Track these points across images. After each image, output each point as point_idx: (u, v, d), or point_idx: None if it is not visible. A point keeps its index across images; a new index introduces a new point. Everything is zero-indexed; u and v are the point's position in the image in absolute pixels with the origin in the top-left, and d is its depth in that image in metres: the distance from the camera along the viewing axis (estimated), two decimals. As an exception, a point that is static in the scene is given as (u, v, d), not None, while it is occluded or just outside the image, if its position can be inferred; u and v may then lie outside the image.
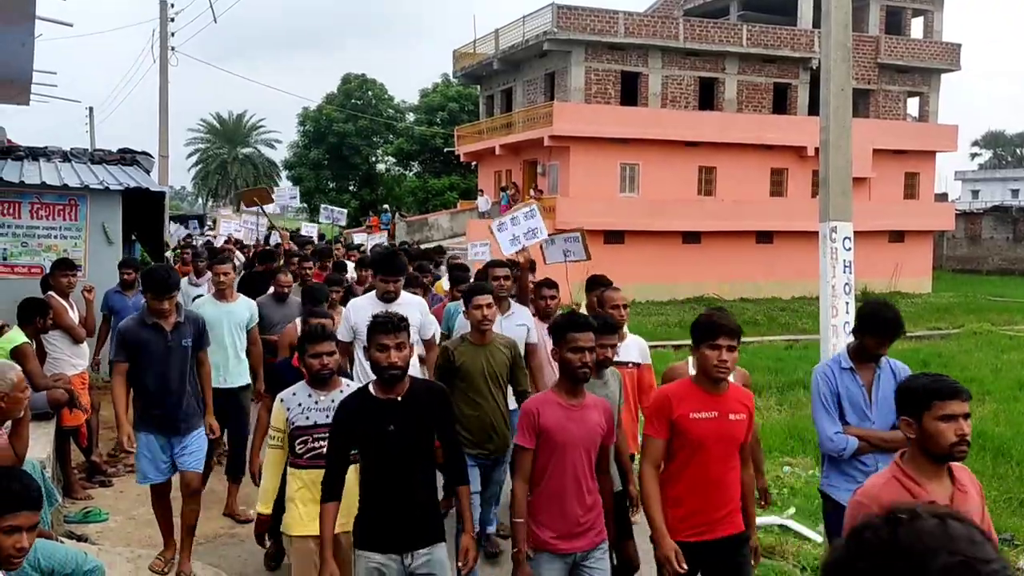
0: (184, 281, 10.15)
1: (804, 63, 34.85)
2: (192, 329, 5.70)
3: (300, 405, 4.70)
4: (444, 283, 10.55)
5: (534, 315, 7.03)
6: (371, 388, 4.05)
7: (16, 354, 6.53)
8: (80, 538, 6.07)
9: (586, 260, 10.04)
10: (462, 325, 6.52)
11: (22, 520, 3.23)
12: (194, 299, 8.57)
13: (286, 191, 19.90)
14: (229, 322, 7.26)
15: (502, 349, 5.62)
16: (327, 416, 4.52)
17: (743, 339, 5.50)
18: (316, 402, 4.67)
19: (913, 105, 38.55)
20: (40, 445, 6.21)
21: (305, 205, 47.94)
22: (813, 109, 33.01)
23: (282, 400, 4.72)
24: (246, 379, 7.38)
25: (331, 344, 4.76)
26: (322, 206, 20.64)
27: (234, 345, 7.28)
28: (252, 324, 7.47)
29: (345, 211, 20.83)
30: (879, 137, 33.90)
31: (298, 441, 4.65)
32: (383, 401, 3.98)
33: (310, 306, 6.75)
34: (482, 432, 5.56)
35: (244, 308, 7.45)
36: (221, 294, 7.35)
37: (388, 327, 3.95)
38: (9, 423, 4.61)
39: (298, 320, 6.86)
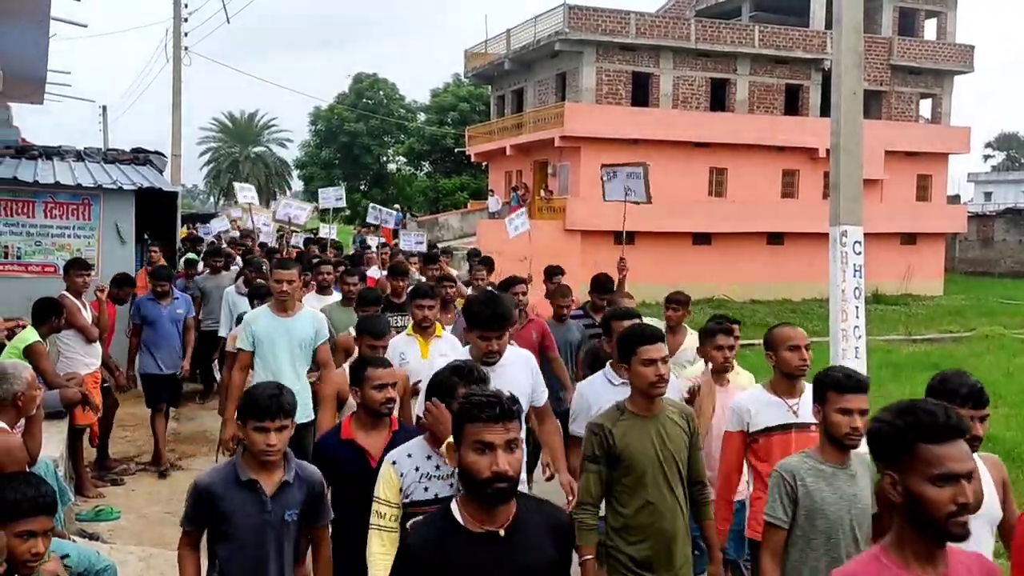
0: (231, 290, 9.82)
1: (816, 64, 34.75)
2: (304, 494, 3.54)
3: (418, 471, 3.47)
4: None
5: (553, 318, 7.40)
6: (456, 511, 2.66)
7: (29, 353, 6.59)
8: (92, 536, 6.12)
9: (646, 203, 9.60)
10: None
11: (37, 525, 3.22)
12: (239, 317, 7.94)
13: (331, 192, 17.97)
14: (289, 341, 6.07)
15: (676, 421, 3.88)
16: (450, 487, 3.36)
17: (752, 340, 5.49)
18: (437, 467, 3.46)
19: (926, 107, 38.39)
20: (53, 444, 6.26)
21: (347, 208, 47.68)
22: (825, 110, 32.88)
23: (394, 463, 3.50)
24: (309, 413, 5.90)
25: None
26: (370, 206, 18.96)
27: (294, 369, 6.06)
28: (320, 342, 6.17)
29: (395, 213, 19.08)
30: (891, 139, 33.77)
31: (411, 523, 3.17)
32: (478, 537, 2.61)
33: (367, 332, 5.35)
34: (662, 549, 3.74)
35: (308, 323, 6.17)
36: (281, 306, 6.10)
37: (497, 414, 2.59)
38: (23, 421, 4.66)
39: (352, 330, 5.81)
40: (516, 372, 4.36)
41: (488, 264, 10.48)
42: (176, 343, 8.58)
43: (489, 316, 4.25)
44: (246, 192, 16.53)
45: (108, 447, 8.28)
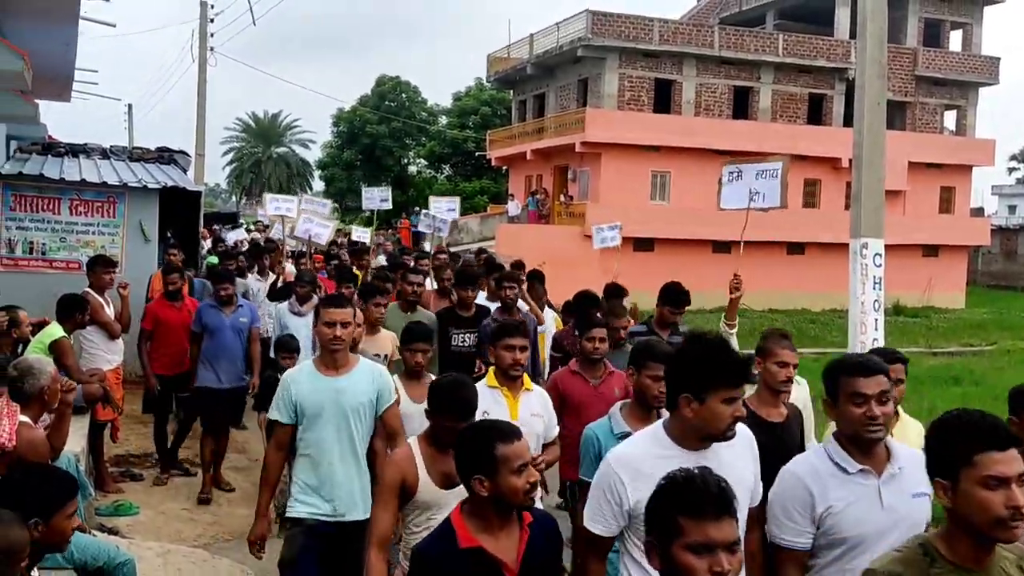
0: (283, 308, 8.17)
1: (840, 73, 34.58)
2: None
3: None
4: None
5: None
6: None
7: (54, 348, 6.68)
8: (111, 531, 6.19)
9: (778, 207, 6.79)
10: None
11: (75, 506, 3.50)
12: (279, 373, 5.74)
13: (376, 193, 15.73)
14: (338, 410, 4.31)
15: None
16: None
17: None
18: None
19: (950, 118, 38.12)
20: (74, 439, 6.33)
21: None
22: (848, 120, 32.74)
23: None
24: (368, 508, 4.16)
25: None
26: (423, 212, 15.31)
27: (350, 448, 4.33)
28: (385, 406, 4.43)
29: (452, 213, 15.09)
30: (915, 150, 33.54)
31: None
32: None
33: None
34: None
35: (366, 381, 4.37)
36: (331, 360, 4.36)
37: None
38: (46, 417, 4.73)
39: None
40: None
41: (539, 279, 9.07)
42: (239, 356, 7.80)
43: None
44: (279, 203, 13.07)
45: (179, 449, 8.31)
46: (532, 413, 4.45)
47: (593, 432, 3.88)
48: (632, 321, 6.77)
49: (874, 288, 6.05)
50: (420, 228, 15.52)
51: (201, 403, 7.73)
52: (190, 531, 6.78)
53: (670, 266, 30.69)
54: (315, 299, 7.69)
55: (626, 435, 3.43)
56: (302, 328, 7.63)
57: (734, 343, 5.16)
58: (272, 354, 7.44)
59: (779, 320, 27.58)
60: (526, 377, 4.59)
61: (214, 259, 13.36)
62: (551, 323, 8.56)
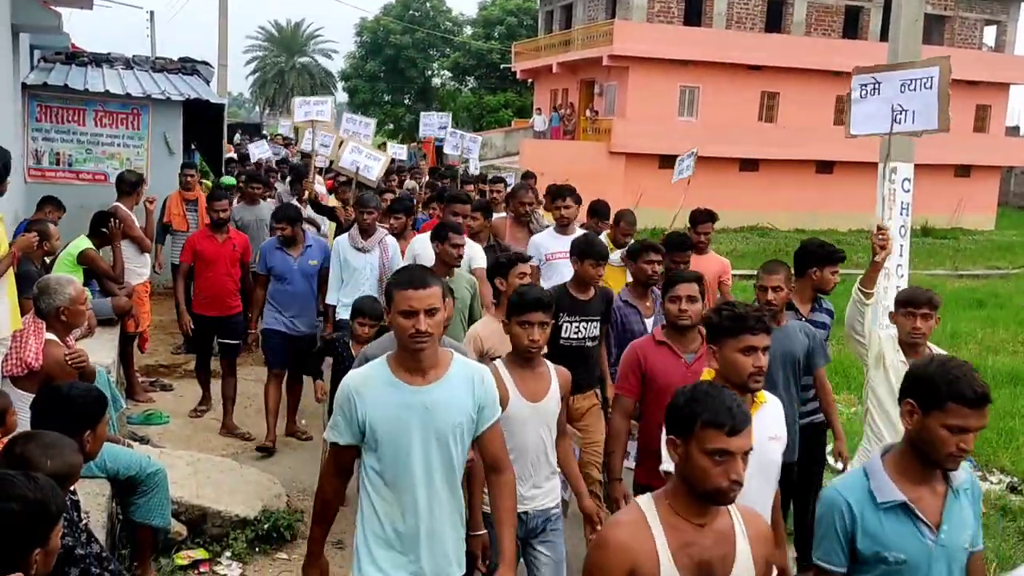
0: (342, 241, 6.90)
1: (878, -14, 33.48)
2: None
3: None
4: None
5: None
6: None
7: (84, 258, 6.80)
8: (142, 439, 6.38)
9: (938, 130, 5.56)
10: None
11: (106, 419, 3.69)
12: (349, 338, 5.61)
13: (435, 119, 14.43)
14: (425, 431, 3.05)
15: None
16: None
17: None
18: None
19: (990, 34, 36.91)
20: (105, 351, 6.50)
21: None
22: (885, 34, 31.79)
23: None
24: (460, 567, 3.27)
25: None
26: (448, 132, 13.71)
27: (444, 485, 3.08)
28: (486, 425, 3.16)
29: (478, 139, 13.82)
30: (952, 67, 32.56)
31: None
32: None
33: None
34: None
35: (463, 392, 3.10)
36: (415, 362, 3.03)
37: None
38: (76, 332, 4.83)
39: None
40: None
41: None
42: (312, 302, 6.94)
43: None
44: (310, 107, 10.77)
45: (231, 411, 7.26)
46: (769, 436, 3.26)
47: (842, 498, 2.73)
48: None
49: (901, 214, 5.98)
50: (446, 150, 14.06)
51: (268, 346, 6.92)
52: (219, 440, 6.98)
53: (695, 184, 30.37)
54: (382, 232, 6.93)
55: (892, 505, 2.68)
56: (366, 269, 6.69)
57: (868, 316, 4.62)
58: (334, 307, 6.68)
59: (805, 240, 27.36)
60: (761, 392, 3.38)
61: (230, 179, 11.91)
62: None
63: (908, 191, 5.99)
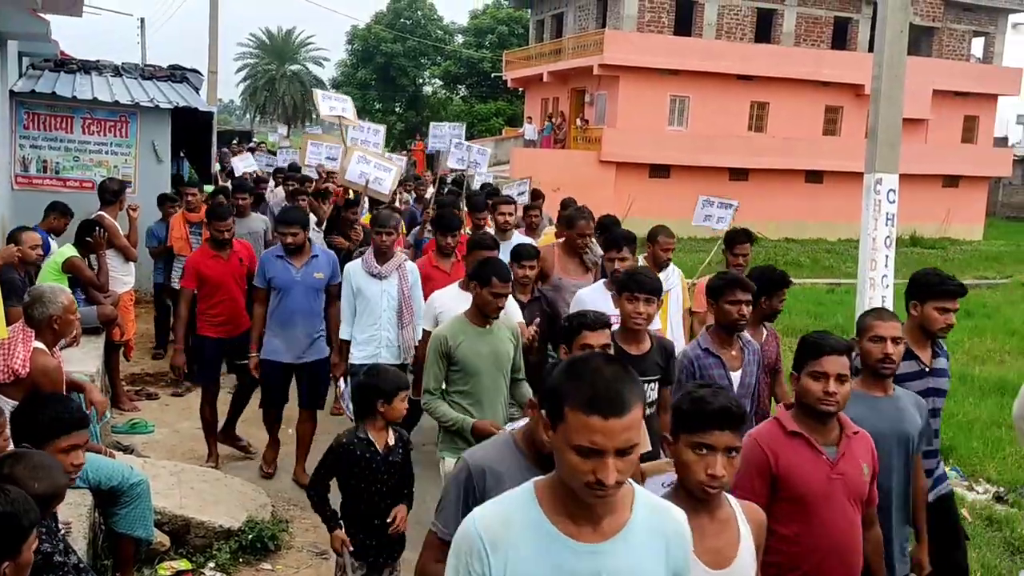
0: (355, 267, 5.95)
1: (867, -3, 33.71)
2: None
3: None
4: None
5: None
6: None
7: (69, 266, 6.78)
8: (127, 449, 6.34)
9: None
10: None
11: (75, 439, 3.57)
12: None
13: (447, 130, 12.96)
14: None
15: None
16: None
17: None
18: None
19: (977, 45, 37.19)
20: (90, 359, 6.46)
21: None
22: (874, 46, 32.02)
23: None
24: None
25: None
26: (453, 143, 11.77)
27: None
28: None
29: (487, 151, 12.00)
30: (939, 78, 32.82)
31: None
32: None
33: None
34: None
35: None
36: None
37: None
38: (63, 342, 4.80)
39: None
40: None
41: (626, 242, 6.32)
42: (317, 322, 6.19)
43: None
44: (333, 102, 10.31)
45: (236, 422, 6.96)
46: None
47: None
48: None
49: (887, 224, 6.00)
50: (451, 164, 11.70)
51: (265, 380, 6.26)
52: (203, 450, 6.93)
53: (686, 193, 30.49)
54: (401, 256, 6.03)
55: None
56: (382, 299, 5.82)
57: None
58: (347, 343, 5.87)
59: (795, 249, 27.47)
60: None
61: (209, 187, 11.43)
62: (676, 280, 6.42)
63: (893, 202, 6.02)
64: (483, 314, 4.40)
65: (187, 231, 8.51)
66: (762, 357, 4.67)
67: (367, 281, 5.80)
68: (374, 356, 5.74)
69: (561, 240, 6.56)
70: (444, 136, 12.76)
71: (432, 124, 13.62)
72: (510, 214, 7.20)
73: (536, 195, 10.55)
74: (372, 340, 5.84)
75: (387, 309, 5.80)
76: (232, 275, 6.56)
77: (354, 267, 5.90)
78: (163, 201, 9.17)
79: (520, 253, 5.65)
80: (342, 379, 6.12)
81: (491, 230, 7.15)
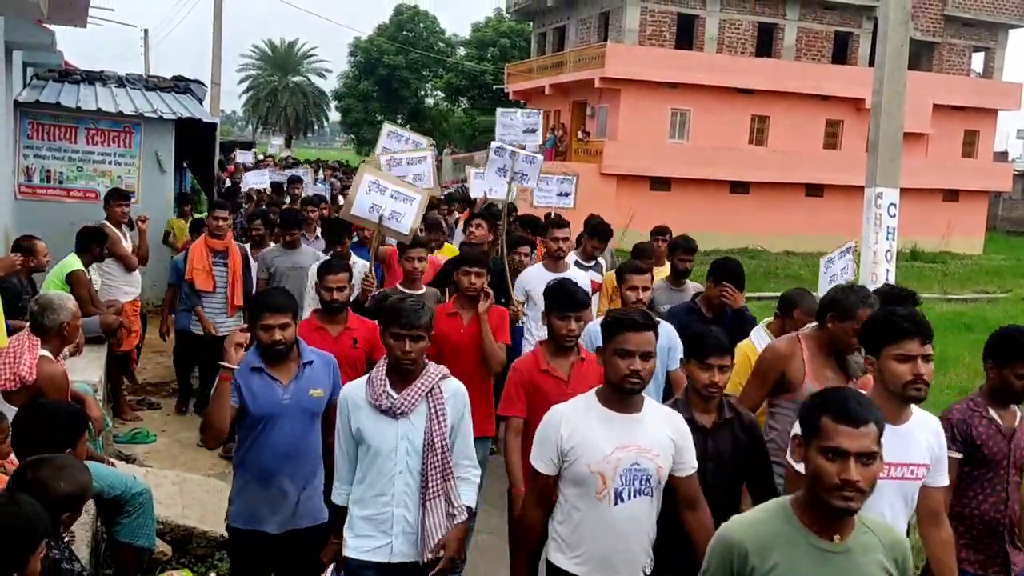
0: (352, 389, 3.61)
1: (867, 12, 33.76)
2: None
3: None
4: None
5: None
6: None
7: (71, 280, 6.79)
8: (128, 458, 6.35)
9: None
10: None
11: (85, 437, 3.77)
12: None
13: (519, 117, 10.07)
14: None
15: None
16: None
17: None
18: None
19: (978, 60, 37.32)
20: (92, 369, 6.48)
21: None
22: (874, 60, 32.09)
23: None
24: None
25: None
26: (494, 150, 7.62)
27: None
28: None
29: (539, 159, 7.74)
30: (940, 92, 32.93)
31: None
32: None
33: None
34: None
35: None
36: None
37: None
38: (67, 350, 4.82)
39: None
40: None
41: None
42: (314, 462, 3.95)
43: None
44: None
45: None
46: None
47: None
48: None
49: (887, 238, 6.02)
50: (492, 172, 7.60)
51: (236, 558, 4.26)
52: (205, 460, 6.95)
53: (686, 206, 30.64)
54: (435, 372, 3.55)
55: None
56: (397, 447, 3.47)
57: None
58: (343, 510, 3.58)
59: (795, 263, 27.49)
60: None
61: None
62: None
63: (894, 216, 6.04)
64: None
65: (210, 262, 7.29)
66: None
67: (374, 420, 3.47)
68: (382, 549, 3.48)
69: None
70: (515, 126, 9.81)
71: (499, 111, 10.32)
72: (564, 239, 6.16)
73: (560, 221, 7.20)
74: (379, 522, 3.49)
75: (405, 471, 3.45)
76: (343, 362, 4.32)
77: (351, 392, 3.55)
78: (183, 202, 9.05)
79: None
80: (331, 567, 3.71)
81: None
